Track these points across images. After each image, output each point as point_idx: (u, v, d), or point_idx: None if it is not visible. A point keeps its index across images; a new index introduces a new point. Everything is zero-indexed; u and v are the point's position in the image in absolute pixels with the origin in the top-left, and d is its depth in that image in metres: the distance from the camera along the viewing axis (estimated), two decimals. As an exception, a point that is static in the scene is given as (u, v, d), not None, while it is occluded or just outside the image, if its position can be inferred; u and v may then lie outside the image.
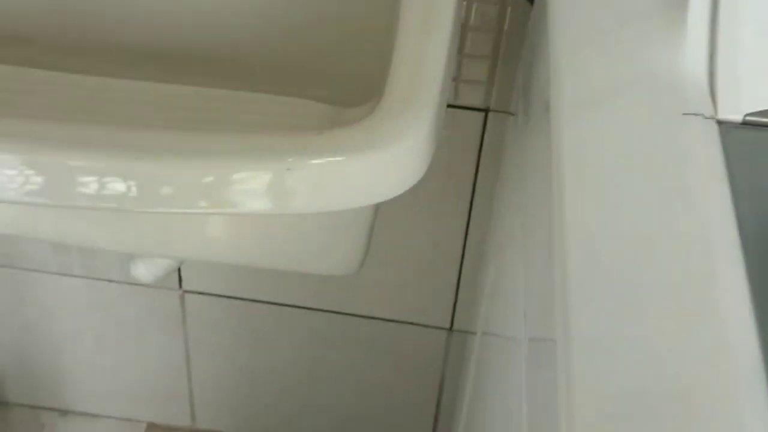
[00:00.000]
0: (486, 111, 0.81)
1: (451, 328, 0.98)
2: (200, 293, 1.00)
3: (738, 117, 0.39)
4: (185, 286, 1.00)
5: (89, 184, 0.39)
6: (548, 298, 0.34)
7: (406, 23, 0.45)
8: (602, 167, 0.37)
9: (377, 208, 0.58)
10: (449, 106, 0.80)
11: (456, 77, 0.79)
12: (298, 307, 0.99)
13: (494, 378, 0.55)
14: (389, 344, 1.01)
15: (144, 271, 0.79)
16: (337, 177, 0.40)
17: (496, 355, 0.56)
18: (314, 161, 0.39)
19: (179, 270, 0.99)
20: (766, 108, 0.39)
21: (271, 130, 0.44)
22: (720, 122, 0.39)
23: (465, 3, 0.74)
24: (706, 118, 0.39)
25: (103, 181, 0.39)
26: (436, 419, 1.07)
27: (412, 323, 0.98)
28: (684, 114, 0.39)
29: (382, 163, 0.40)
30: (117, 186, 0.39)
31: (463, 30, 0.76)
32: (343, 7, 0.65)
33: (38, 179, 0.40)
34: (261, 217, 0.55)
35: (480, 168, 0.85)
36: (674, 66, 0.40)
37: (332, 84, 0.64)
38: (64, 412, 1.15)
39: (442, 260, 0.92)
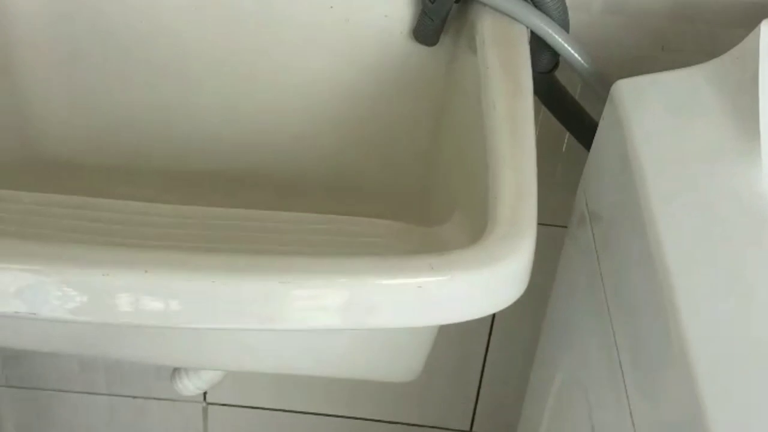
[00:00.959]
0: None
1: (471, 430, 1.01)
2: (223, 405, 1.02)
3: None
4: (209, 398, 1.01)
5: (199, 307, 0.43)
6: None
7: (496, 151, 0.50)
8: (706, 278, 0.41)
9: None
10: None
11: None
12: (322, 414, 1.01)
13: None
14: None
15: (189, 384, 0.81)
16: (456, 293, 0.44)
17: None
18: (441, 278, 0.43)
19: (205, 382, 1.00)
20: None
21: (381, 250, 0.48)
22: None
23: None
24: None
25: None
26: None
27: (434, 426, 1.01)
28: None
29: (499, 278, 0.44)
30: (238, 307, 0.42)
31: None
32: (384, 131, 0.71)
33: (124, 301, 0.43)
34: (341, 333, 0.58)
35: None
36: (753, 185, 0.46)
37: (378, 202, 0.69)
38: None
39: (466, 363, 0.96)
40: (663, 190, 0.46)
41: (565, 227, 0.66)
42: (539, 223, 0.84)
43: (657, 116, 0.50)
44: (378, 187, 0.69)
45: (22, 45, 0.67)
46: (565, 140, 0.78)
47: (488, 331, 0.93)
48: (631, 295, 0.47)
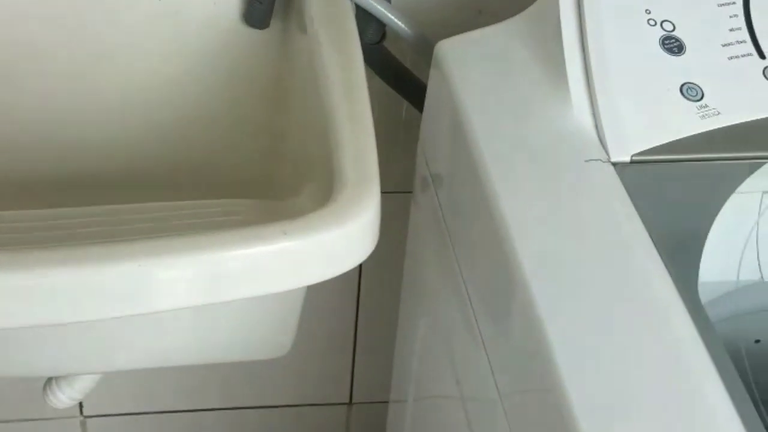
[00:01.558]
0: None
1: (350, 402, 1.04)
2: (102, 416, 1.00)
3: (627, 158, 0.49)
4: (86, 411, 1.00)
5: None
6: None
7: (335, 120, 0.52)
8: (536, 214, 0.45)
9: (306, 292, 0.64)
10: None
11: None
12: (201, 410, 1.02)
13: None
14: (295, 427, 1.04)
15: (62, 396, 0.80)
16: (311, 255, 0.46)
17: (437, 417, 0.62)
18: (294, 243, 0.45)
19: (78, 396, 0.98)
20: (644, 149, 0.49)
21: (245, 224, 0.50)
22: (614, 164, 0.48)
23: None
24: (603, 162, 0.48)
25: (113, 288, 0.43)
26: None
27: (313, 404, 1.03)
28: (586, 161, 0.48)
29: (349, 238, 0.46)
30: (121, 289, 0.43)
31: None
32: (226, 117, 0.72)
33: None
34: (193, 313, 0.60)
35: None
36: (567, 121, 0.50)
37: (230, 187, 0.70)
38: None
39: (336, 339, 0.98)
40: (490, 140, 0.50)
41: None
42: (390, 191, 0.88)
43: (477, 71, 0.54)
44: (228, 173, 0.71)
45: None
46: (404, 109, 0.81)
47: (355, 302, 0.95)
48: (473, 243, 0.51)
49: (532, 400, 0.41)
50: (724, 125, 0.50)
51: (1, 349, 0.61)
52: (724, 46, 0.52)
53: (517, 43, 0.55)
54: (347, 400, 1.04)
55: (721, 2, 0.53)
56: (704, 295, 0.50)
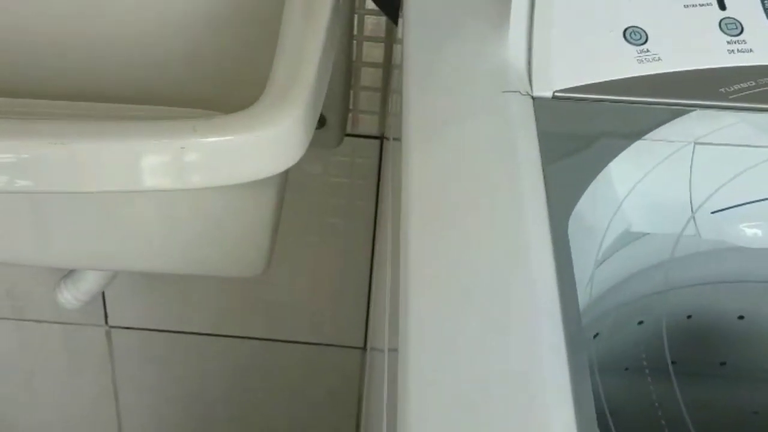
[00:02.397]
0: (381, 138, 0.89)
1: (365, 348, 1.05)
2: (126, 328, 1.06)
3: (548, 93, 0.48)
4: (111, 321, 1.05)
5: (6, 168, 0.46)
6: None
7: (285, 33, 0.54)
8: (442, 141, 0.45)
9: (277, 208, 0.66)
10: (349, 135, 0.89)
11: (354, 108, 0.88)
12: (222, 335, 1.05)
13: (375, 390, 0.61)
14: (311, 366, 1.07)
15: (68, 295, 0.85)
16: (222, 155, 0.48)
17: (375, 369, 0.62)
18: (204, 140, 0.46)
19: (105, 305, 1.04)
20: (570, 86, 0.48)
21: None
22: (534, 98, 0.48)
23: (356, 42, 0.83)
24: (523, 94, 0.47)
25: (22, 164, 0.46)
26: (357, 439, 1.13)
27: (329, 345, 1.05)
28: (503, 92, 0.47)
29: (261, 143, 0.48)
30: (36, 168, 0.46)
31: (357, 66, 0.86)
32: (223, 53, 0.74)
33: None
34: (161, 216, 0.62)
35: (380, 192, 0.93)
36: (501, 54, 0.49)
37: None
38: (-4, 458, 1.18)
39: (353, 283, 1.00)
40: (421, 72, 0.49)
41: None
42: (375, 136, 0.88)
43: (434, 7, 0.54)
44: (214, 100, 0.73)
45: None
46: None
47: (371, 246, 0.97)
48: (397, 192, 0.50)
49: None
50: (662, 71, 0.48)
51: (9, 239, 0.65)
52: (683, -7, 0.51)
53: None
54: (362, 345, 1.05)
55: (691, -51, 0.52)
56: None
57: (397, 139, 0.56)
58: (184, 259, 0.67)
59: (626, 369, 0.63)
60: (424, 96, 0.48)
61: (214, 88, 0.74)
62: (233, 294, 1.02)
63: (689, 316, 0.63)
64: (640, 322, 0.62)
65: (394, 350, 0.38)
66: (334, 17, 0.57)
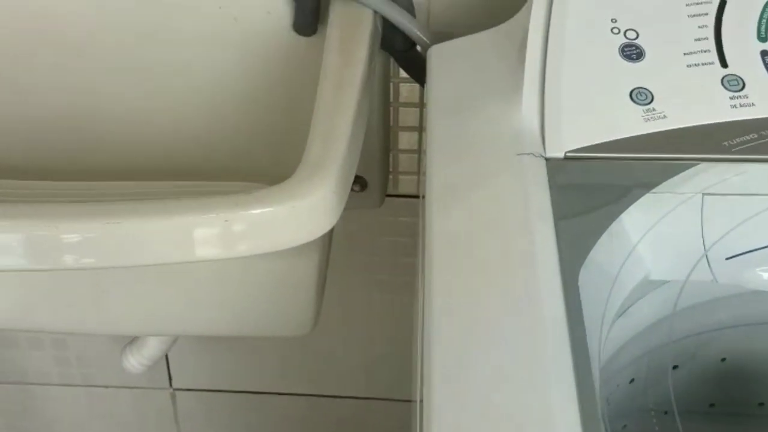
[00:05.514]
0: (422, 198, 0.93)
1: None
2: (189, 390, 1.10)
3: (560, 154, 0.51)
4: (175, 384, 1.10)
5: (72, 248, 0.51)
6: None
7: (318, 110, 0.58)
8: (461, 200, 0.49)
9: (320, 270, 0.70)
10: (390, 195, 0.94)
11: (393, 170, 0.92)
12: (283, 394, 1.09)
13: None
14: (364, 420, 1.10)
15: (134, 362, 0.90)
16: (263, 225, 0.52)
17: (414, 420, 0.65)
18: (246, 212, 0.51)
19: (168, 369, 1.09)
20: (580, 147, 0.52)
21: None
22: (547, 159, 0.51)
23: (392, 108, 0.88)
24: (536, 156, 0.51)
25: (85, 242, 0.51)
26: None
27: (381, 398, 1.08)
28: (518, 154, 0.51)
29: (298, 213, 0.52)
30: (98, 246, 0.51)
31: (395, 130, 0.90)
32: (277, 119, 0.79)
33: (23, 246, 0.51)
34: (213, 283, 0.67)
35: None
36: (516, 118, 0.53)
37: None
38: None
39: (401, 337, 1.03)
40: (442, 136, 0.54)
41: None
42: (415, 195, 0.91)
43: (452, 75, 0.58)
44: (274, 168, 0.78)
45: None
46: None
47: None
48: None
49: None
50: (668, 128, 0.51)
51: (54, 307, 0.71)
52: (686, 54, 0.54)
53: (496, 49, 0.59)
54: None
55: (692, 13, 0.55)
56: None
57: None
58: (235, 322, 0.72)
59: (665, 413, 0.65)
60: (445, 157, 0.52)
61: (251, 161, 0.80)
62: (286, 352, 1.06)
63: (723, 359, 0.65)
64: (675, 367, 0.64)
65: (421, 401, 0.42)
66: (364, 90, 0.62)
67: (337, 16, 0.69)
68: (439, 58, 0.60)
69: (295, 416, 1.11)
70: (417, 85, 0.86)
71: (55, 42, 0.76)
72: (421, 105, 0.87)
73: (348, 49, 0.65)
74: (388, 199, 0.93)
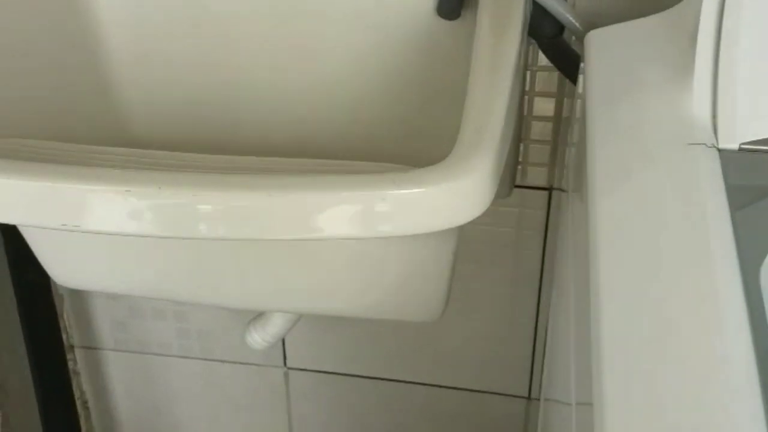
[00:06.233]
0: (550, 190, 0.92)
1: (529, 397, 1.06)
2: (303, 370, 1.11)
3: (735, 146, 0.49)
4: (289, 363, 1.11)
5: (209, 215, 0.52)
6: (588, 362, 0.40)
7: (472, 93, 0.57)
8: (628, 192, 0.47)
9: (455, 257, 0.69)
10: (518, 186, 0.92)
11: (523, 161, 0.91)
12: (394, 380, 1.09)
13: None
14: (475, 413, 1.09)
15: (257, 337, 0.91)
16: (418, 205, 0.51)
17: (555, 421, 0.63)
18: (402, 191, 0.50)
19: (284, 348, 1.10)
20: (756, 139, 0.49)
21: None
22: (720, 150, 0.49)
23: (527, 97, 0.87)
24: (708, 147, 0.49)
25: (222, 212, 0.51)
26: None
27: (493, 393, 1.07)
28: (689, 144, 0.49)
29: (456, 194, 0.51)
30: (249, 217, 0.51)
31: (527, 120, 0.89)
32: (417, 101, 0.79)
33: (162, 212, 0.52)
34: (352, 263, 0.67)
35: (547, 242, 0.95)
36: (684, 106, 0.51)
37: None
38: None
39: (518, 331, 1.02)
40: (604, 123, 0.52)
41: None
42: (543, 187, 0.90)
43: (613, 60, 0.56)
44: (406, 151, 0.77)
45: (109, 46, 0.79)
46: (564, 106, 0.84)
47: (537, 294, 0.98)
48: (580, 243, 0.53)
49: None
50: None
51: (194, 275, 0.72)
52: None
53: (658, 36, 0.57)
54: (526, 394, 1.06)
55: None
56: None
57: (577, 191, 0.58)
58: (369, 304, 0.71)
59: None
60: (610, 148, 0.50)
61: (384, 142, 0.79)
62: (402, 339, 1.06)
63: None
64: None
65: (585, 404, 0.40)
66: (516, 75, 0.61)
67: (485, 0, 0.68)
68: (598, 44, 0.58)
69: (408, 404, 1.11)
70: (553, 75, 0.84)
71: (203, 23, 0.77)
72: (561, 95, 0.85)
73: (501, 32, 0.63)
74: (515, 189, 0.91)
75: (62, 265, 0.75)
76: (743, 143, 0.49)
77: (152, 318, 1.10)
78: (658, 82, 0.53)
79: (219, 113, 0.79)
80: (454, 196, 0.51)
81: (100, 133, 0.81)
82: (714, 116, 0.50)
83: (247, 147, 0.80)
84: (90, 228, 0.54)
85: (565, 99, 0.86)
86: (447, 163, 0.52)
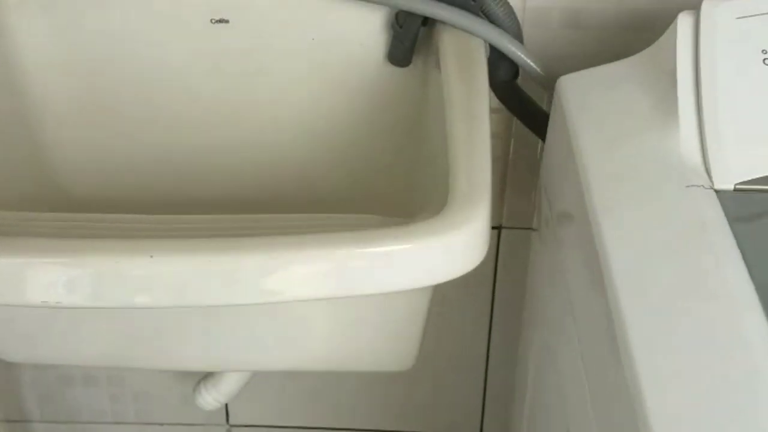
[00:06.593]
0: (499, 228, 0.92)
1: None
2: (248, 426, 1.07)
3: (730, 186, 0.50)
4: (232, 420, 1.07)
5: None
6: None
7: (454, 141, 0.57)
8: (638, 239, 0.47)
9: (430, 303, 0.68)
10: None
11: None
12: (342, 429, 1.07)
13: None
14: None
15: (208, 397, 0.87)
16: (421, 258, 0.50)
17: None
18: (405, 246, 0.49)
19: (226, 405, 1.06)
20: (750, 178, 0.51)
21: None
22: (717, 191, 0.50)
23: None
24: (706, 188, 0.50)
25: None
26: None
27: (446, 433, 1.06)
28: (687, 186, 0.50)
29: (457, 245, 0.51)
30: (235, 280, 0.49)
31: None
32: (369, 148, 0.78)
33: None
34: (324, 318, 0.65)
35: (497, 280, 0.95)
36: (675, 152, 0.52)
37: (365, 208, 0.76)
38: None
39: (468, 371, 1.01)
40: (597, 168, 0.52)
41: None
42: (519, 227, 0.91)
43: (592, 105, 0.57)
44: (365, 195, 0.76)
45: (37, 97, 0.76)
46: (539, 147, 0.85)
47: (487, 330, 0.98)
48: (578, 271, 0.53)
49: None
50: (834, 158, 0.51)
51: (155, 341, 0.68)
52: (840, 83, 0.53)
53: (634, 79, 0.58)
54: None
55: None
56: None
57: (572, 222, 0.58)
58: (344, 357, 0.69)
59: None
60: (611, 191, 0.50)
61: (350, 191, 0.78)
62: (349, 388, 1.04)
63: None
64: None
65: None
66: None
67: (449, 46, 0.68)
68: (573, 89, 0.59)
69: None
70: (500, 117, 0.85)
71: (155, 82, 0.74)
72: (506, 136, 0.86)
73: (469, 78, 0.63)
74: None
75: (9, 341, 0.70)
76: (738, 183, 0.50)
77: (83, 385, 1.04)
78: (641, 127, 0.54)
79: (175, 171, 0.76)
80: (454, 247, 0.51)
81: (36, 197, 0.77)
82: (705, 160, 0.51)
83: (197, 204, 0.78)
84: (29, 302, 0.51)
85: (512, 140, 0.87)
86: (445, 216, 0.51)
